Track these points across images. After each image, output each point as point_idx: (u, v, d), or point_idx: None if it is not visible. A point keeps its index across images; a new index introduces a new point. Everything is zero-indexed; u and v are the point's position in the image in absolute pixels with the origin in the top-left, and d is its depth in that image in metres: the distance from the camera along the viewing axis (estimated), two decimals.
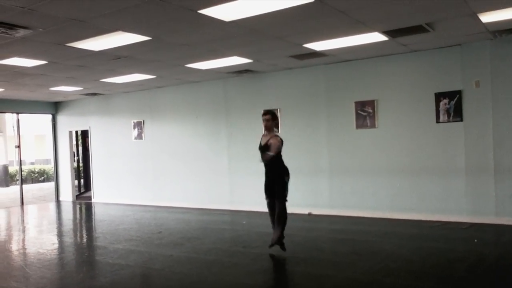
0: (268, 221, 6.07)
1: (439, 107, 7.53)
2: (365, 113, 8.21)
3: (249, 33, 6.09)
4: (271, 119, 5.99)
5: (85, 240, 7.94)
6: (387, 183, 8.07)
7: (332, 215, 8.52)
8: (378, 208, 8.13)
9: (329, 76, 8.63)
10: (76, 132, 13.95)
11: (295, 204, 9.02)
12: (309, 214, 8.77)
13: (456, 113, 7.40)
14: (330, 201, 8.68)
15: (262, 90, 9.44)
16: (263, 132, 6.12)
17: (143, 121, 11.50)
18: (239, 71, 8.96)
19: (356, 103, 8.30)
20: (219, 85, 10.01)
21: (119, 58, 7.26)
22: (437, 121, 7.57)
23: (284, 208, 5.96)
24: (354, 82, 8.37)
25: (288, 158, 9.04)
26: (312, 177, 8.87)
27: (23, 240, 7.91)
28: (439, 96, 7.52)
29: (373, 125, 8.16)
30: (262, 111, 6.25)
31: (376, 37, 6.56)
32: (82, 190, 14.35)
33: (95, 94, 11.75)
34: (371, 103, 8.15)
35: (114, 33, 5.77)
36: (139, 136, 11.62)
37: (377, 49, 7.40)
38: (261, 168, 9.20)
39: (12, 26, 5.27)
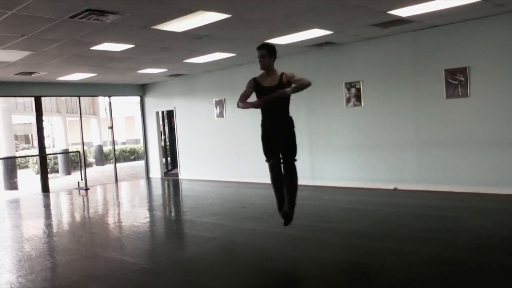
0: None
1: None
2: (456, 82, 7.66)
3: (329, 3, 5.89)
4: (267, 54, 4.54)
5: (173, 214, 8.35)
6: (481, 156, 7.52)
7: (420, 190, 8.14)
8: (471, 183, 7.63)
9: (416, 44, 8.14)
10: (162, 112, 14.60)
11: (379, 179, 8.82)
12: (395, 189, 8.46)
13: None
14: (418, 175, 8.29)
15: (344, 62, 9.15)
16: (261, 73, 4.74)
17: (224, 99, 11.72)
18: (319, 44, 8.75)
19: (446, 71, 7.76)
20: (298, 60, 9.86)
21: (201, 37, 7.40)
22: None
23: (296, 170, 4.85)
24: (443, 49, 7.82)
25: (372, 131, 8.86)
26: (398, 151, 8.52)
27: (119, 214, 8.49)
28: None
29: (465, 94, 7.59)
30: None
31: None
32: (170, 167, 15.10)
33: (178, 75, 12.16)
34: (463, 71, 7.57)
35: (196, 12, 5.87)
36: (221, 115, 11.87)
37: (470, 11, 6.82)
38: (345, 143, 9.11)
39: (102, 13, 5.56)
